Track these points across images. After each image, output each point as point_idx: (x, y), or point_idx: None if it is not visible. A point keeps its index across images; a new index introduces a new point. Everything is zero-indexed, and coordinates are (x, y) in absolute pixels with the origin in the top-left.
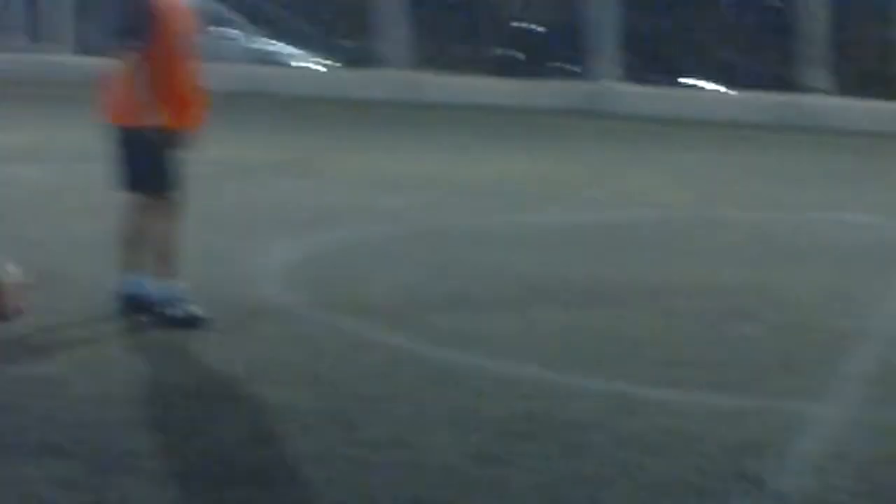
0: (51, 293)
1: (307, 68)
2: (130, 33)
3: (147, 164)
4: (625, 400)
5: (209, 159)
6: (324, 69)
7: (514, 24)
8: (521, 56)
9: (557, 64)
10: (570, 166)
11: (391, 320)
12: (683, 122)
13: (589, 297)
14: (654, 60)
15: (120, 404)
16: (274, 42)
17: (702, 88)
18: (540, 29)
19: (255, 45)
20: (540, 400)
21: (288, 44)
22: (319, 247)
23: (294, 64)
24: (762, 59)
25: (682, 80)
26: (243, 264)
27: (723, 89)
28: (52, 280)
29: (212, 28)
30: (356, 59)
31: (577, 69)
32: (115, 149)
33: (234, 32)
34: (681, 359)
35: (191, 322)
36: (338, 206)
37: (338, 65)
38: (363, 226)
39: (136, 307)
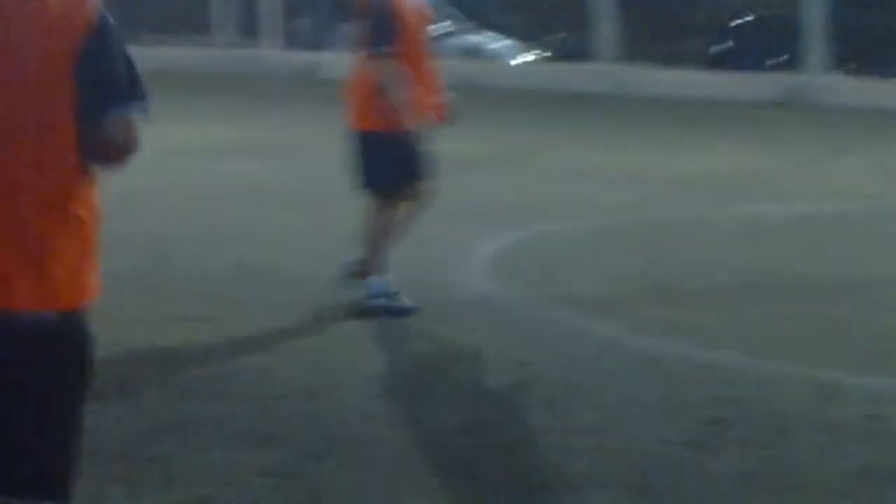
0: (262, 285)
1: (517, 61)
2: (383, 39)
3: (391, 165)
4: (827, 387)
5: None
6: (534, 62)
7: (726, 16)
8: (730, 46)
9: (767, 55)
10: (777, 158)
11: (599, 310)
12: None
13: (794, 288)
14: (864, 52)
15: (331, 393)
16: (485, 35)
17: None
18: (749, 19)
19: (467, 39)
20: (743, 387)
21: (498, 37)
22: (528, 238)
23: (504, 57)
24: None
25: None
26: (453, 256)
27: None
28: (262, 272)
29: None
30: (566, 52)
31: (785, 60)
32: (357, 151)
33: (447, 26)
34: (884, 348)
35: (403, 312)
36: (546, 199)
37: (548, 58)
38: (571, 218)
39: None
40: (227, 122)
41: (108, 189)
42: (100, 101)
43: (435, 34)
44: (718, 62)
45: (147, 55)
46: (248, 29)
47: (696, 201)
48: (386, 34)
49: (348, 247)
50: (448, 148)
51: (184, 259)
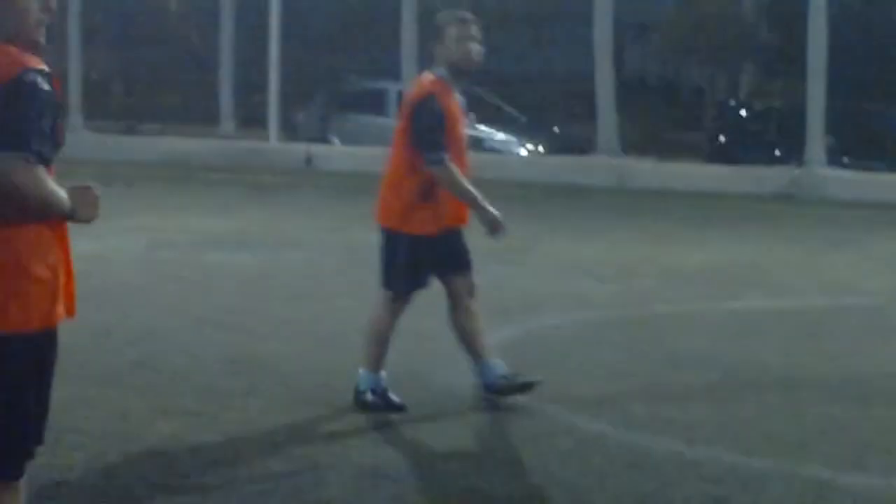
0: (254, 379)
1: (517, 154)
2: (437, 144)
3: (404, 265)
4: (815, 486)
5: None
6: (533, 155)
7: (721, 107)
8: (725, 140)
9: (763, 148)
10: (774, 252)
11: (587, 406)
12: (892, 207)
13: (786, 384)
14: (860, 144)
15: (320, 487)
16: (485, 128)
17: None
18: (750, 111)
19: (469, 132)
20: (732, 485)
21: (498, 129)
22: (523, 332)
23: (504, 149)
24: None
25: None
26: (446, 350)
27: None
28: (254, 365)
29: None
30: (565, 144)
31: (782, 153)
32: (381, 247)
33: None
34: (876, 445)
35: (392, 408)
36: (542, 292)
37: (546, 151)
38: (567, 312)
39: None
40: (222, 213)
41: (101, 280)
42: None
43: None
44: (719, 155)
45: (148, 145)
46: (249, 120)
47: (692, 295)
48: (438, 138)
49: (340, 340)
50: None
51: (176, 351)
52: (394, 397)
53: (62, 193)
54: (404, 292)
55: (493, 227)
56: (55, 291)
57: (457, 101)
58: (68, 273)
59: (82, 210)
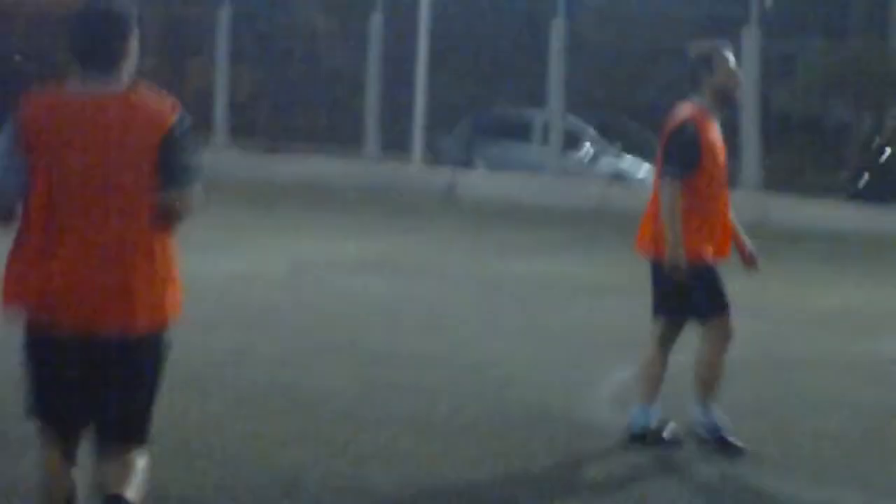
0: (391, 405)
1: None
2: (674, 161)
3: (673, 292)
4: None
5: (558, 276)
6: None
7: (865, 146)
8: (868, 179)
9: None
10: None
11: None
12: None
13: None
14: None
15: None
16: (628, 159)
17: None
18: (887, 152)
19: (612, 163)
20: None
21: (641, 161)
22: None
23: (642, 179)
24: None
25: None
26: (580, 381)
27: None
28: (391, 392)
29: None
30: None
31: None
32: (651, 277)
33: (588, 148)
34: None
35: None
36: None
37: None
38: None
39: (641, 438)
40: (363, 236)
41: (241, 300)
42: (165, 181)
43: (582, 159)
44: (862, 195)
45: (293, 166)
46: (393, 144)
47: (827, 337)
48: (683, 156)
49: (474, 369)
50: (586, 272)
51: (310, 377)
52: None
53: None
54: (672, 320)
55: (675, 271)
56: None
57: (716, 130)
58: None
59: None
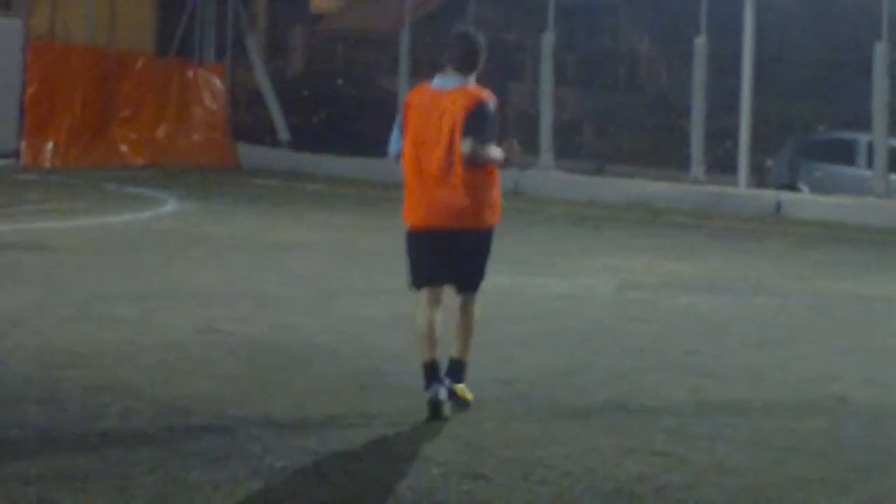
0: (721, 422)
1: None
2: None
3: None
4: None
5: (886, 296)
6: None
7: None
8: None
9: None
10: None
11: None
12: None
13: None
14: None
15: None
16: None
17: None
18: None
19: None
20: None
21: None
22: None
23: None
24: None
25: None
26: None
27: None
28: (722, 408)
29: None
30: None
31: None
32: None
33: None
34: None
35: None
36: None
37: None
38: None
39: None
40: (689, 256)
41: (571, 319)
42: (468, 134)
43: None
44: None
45: (618, 188)
46: (718, 166)
47: None
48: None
49: (808, 386)
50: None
51: (645, 392)
52: None
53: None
54: None
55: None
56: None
57: None
58: None
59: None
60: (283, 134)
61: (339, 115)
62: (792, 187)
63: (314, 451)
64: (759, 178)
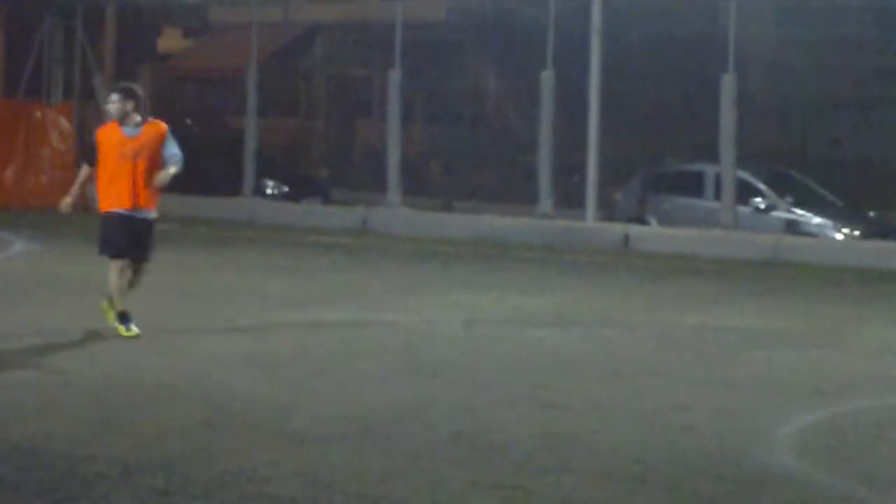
0: (571, 455)
1: (831, 238)
2: None
3: None
4: None
5: (734, 327)
6: (848, 239)
7: None
8: None
9: None
10: None
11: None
12: None
13: None
14: None
15: None
16: (801, 211)
17: None
18: None
19: (780, 214)
20: None
21: (815, 213)
22: (836, 415)
23: (820, 233)
24: None
25: None
26: (760, 430)
27: None
28: (569, 441)
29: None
30: (882, 230)
31: None
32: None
33: (759, 202)
34: None
35: None
36: (857, 375)
37: (862, 236)
38: (882, 396)
39: None
40: (538, 291)
41: (419, 354)
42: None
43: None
44: None
45: (465, 224)
46: (566, 200)
47: None
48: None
49: (654, 417)
50: (766, 324)
51: (491, 427)
52: None
53: None
54: None
55: None
56: None
57: None
58: None
59: None
60: None
61: (188, 154)
62: (640, 220)
63: (161, 490)
64: (608, 211)
